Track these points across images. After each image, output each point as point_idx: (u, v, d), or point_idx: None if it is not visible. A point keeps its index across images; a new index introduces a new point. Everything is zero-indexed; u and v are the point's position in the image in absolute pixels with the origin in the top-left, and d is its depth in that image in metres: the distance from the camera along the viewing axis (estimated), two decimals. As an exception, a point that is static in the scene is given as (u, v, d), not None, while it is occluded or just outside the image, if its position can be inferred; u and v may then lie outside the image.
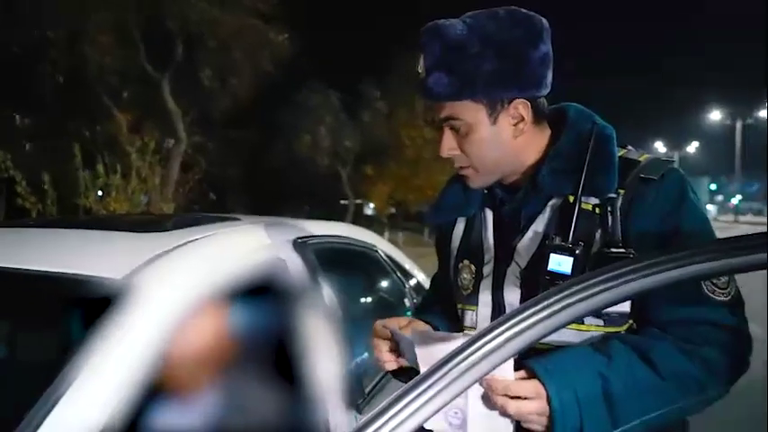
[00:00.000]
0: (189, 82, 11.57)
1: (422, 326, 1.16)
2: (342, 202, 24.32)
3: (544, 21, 1.01)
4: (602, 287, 0.62)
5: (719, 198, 67.95)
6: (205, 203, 10.76)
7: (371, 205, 27.15)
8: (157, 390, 1.11)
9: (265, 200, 20.08)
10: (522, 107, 1.00)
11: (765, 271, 0.62)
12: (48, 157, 8.71)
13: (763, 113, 38.68)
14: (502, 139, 1.02)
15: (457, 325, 1.17)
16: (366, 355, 1.86)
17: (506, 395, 0.87)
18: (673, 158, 1.03)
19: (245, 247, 1.38)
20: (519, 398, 0.87)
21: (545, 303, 0.64)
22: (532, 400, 0.86)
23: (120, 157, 6.98)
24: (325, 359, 1.44)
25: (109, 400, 0.89)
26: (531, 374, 0.88)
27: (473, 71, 0.97)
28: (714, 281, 0.92)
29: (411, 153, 19.63)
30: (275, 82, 13.46)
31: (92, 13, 9.77)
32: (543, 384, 0.86)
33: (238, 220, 1.65)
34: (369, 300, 2.20)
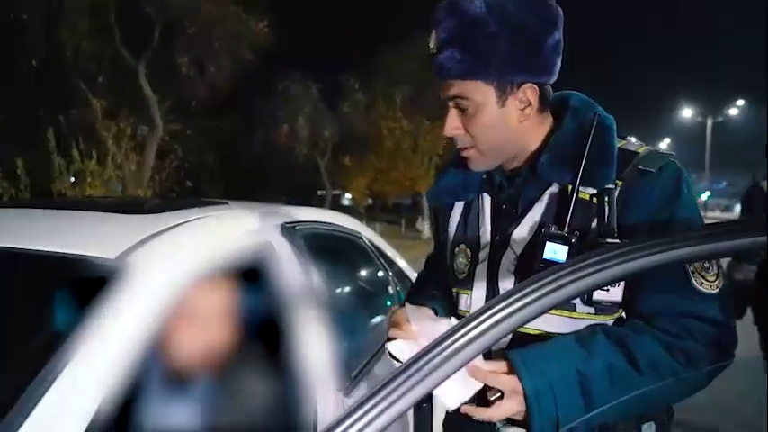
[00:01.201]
0: (166, 69, 11.40)
1: (427, 314, 1.13)
2: (319, 192, 24.24)
3: (559, 8, 1.01)
4: (586, 271, 0.64)
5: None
6: (182, 190, 10.62)
7: (348, 196, 27.13)
8: (150, 370, 1.12)
9: (243, 188, 19.90)
10: (530, 92, 1.00)
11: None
12: (21, 142, 8.51)
13: (733, 111, 39.56)
14: (508, 122, 1.02)
15: (452, 308, 1.19)
16: (352, 339, 1.89)
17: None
18: (672, 153, 1.03)
19: (236, 230, 1.39)
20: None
21: (531, 288, 0.63)
22: (510, 397, 0.91)
23: (96, 144, 6.87)
24: (312, 343, 1.46)
25: (103, 380, 0.89)
26: (511, 366, 0.93)
27: (488, 51, 0.96)
28: (702, 273, 0.94)
29: (390, 145, 19.64)
30: (254, 70, 13.33)
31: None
32: (519, 378, 0.90)
33: (226, 204, 1.65)
34: (355, 285, 2.23)
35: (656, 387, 0.91)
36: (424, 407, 1.03)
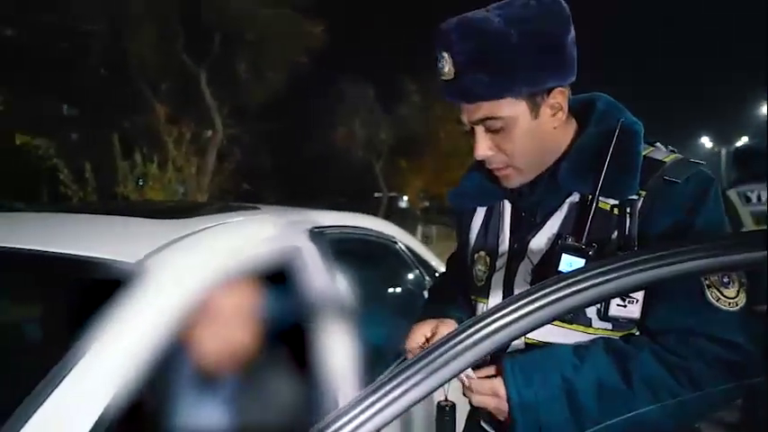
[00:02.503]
0: (226, 74, 11.78)
1: (449, 326, 1.11)
2: (376, 194, 24.37)
3: (565, 5, 0.96)
4: (591, 282, 0.61)
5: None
6: (239, 193, 10.94)
7: (405, 198, 27.14)
8: (168, 372, 1.15)
9: (299, 191, 20.28)
10: (560, 96, 0.96)
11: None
12: (90, 146, 9.01)
13: (816, 108, 36.96)
14: (542, 131, 0.97)
15: (472, 315, 1.16)
16: (380, 345, 1.87)
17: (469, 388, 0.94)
18: (703, 162, 0.96)
19: (260, 234, 1.40)
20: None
21: (537, 295, 0.62)
22: (491, 398, 0.93)
23: (158, 148, 7.16)
24: (337, 347, 1.46)
25: (112, 382, 0.91)
26: (499, 369, 0.93)
27: (515, 65, 0.91)
28: (720, 288, 0.87)
29: (446, 146, 19.50)
30: (310, 74, 13.56)
31: (133, 8, 10.02)
32: (504, 382, 0.91)
33: (257, 209, 1.67)
34: (385, 290, 2.21)
35: (651, 409, 0.85)
36: (447, 420, 1.01)
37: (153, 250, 1.14)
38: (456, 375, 0.61)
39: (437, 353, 0.60)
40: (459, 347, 0.60)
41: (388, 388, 0.59)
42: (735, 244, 0.59)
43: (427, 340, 1.07)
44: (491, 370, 0.94)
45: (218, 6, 10.54)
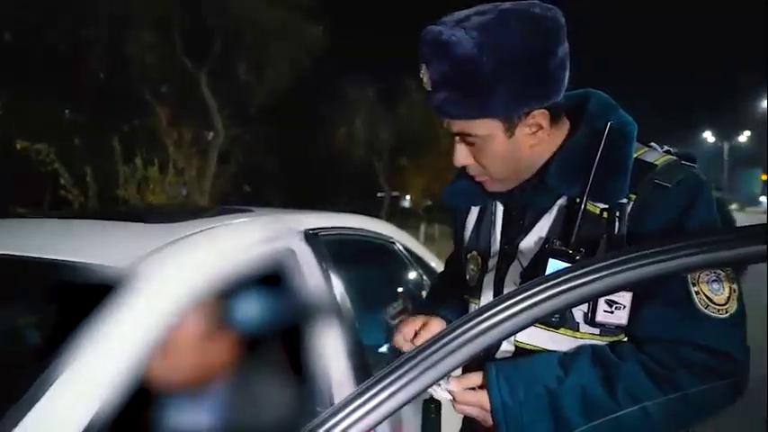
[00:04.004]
0: (226, 76, 11.78)
1: (438, 323, 1.13)
2: (378, 194, 24.36)
3: (559, 15, 0.91)
4: (572, 284, 0.60)
5: (774, 190, 65.06)
6: (240, 195, 10.95)
7: (408, 198, 27.11)
8: (156, 377, 1.13)
9: (302, 192, 20.29)
10: (540, 117, 0.93)
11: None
12: (91, 150, 9.03)
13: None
14: (519, 149, 0.96)
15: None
16: (377, 347, 1.85)
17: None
18: (695, 165, 0.94)
19: (253, 237, 1.38)
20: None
21: (523, 296, 0.62)
22: (477, 409, 0.93)
23: (159, 151, 7.17)
24: (332, 350, 1.44)
25: (103, 386, 0.90)
26: (484, 377, 0.93)
27: (487, 92, 0.88)
28: (709, 295, 0.85)
29: (447, 145, 19.37)
30: (311, 75, 13.56)
31: (133, 10, 10.03)
32: (489, 390, 0.91)
33: (251, 211, 1.66)
34: (382, 292, 2.19)
35: (635, 419, 0.83)
36: (432, 418, 1.01)
37: (143, 255, 1.13)
38: (444, 376, 0.61)
39: (424, 354, 0.59)
40: (446, 350, 0.60)
41: (375, 390, 0.59)
42: (722, 240, 0.58)
43: (416, 334, 1.10)
44: (476, 380, 0.94)
45: (217, 8, 10.55)
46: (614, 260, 0.60)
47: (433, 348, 0.60)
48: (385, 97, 20.60)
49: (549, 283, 0.61)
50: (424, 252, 2.41)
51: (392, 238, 2.16)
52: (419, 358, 0.59)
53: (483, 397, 0.91)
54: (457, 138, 0.98)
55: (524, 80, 0.89)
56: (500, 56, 0.86)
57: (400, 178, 22.71)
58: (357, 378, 1.46)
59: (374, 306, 1.93)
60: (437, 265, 2.42)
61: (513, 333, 0.61)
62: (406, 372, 0.59)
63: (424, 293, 2.20)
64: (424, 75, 0.93)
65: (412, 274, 2.26)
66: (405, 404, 0.59)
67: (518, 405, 0.88)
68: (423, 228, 16.94)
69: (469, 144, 0.97)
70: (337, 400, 1.39)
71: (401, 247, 2.19)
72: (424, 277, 2.26)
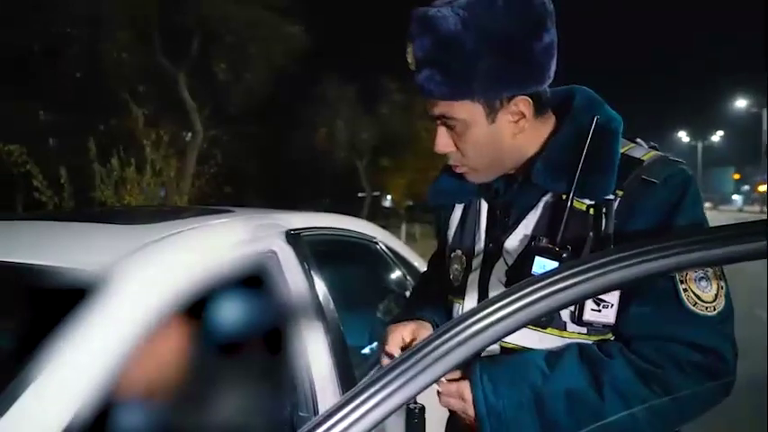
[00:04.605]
0: (205, 76, 11.64)
1: (426, 329, 1.10)
2: (360, 194, 24.32)
3: (547, 1, 0.90)
4: (570, 282, 0.58)
5: (745, 188, 66.54)
6: (221, 196, 10.82)
7: (389, 197, 27.12)
8: (131, 385, 1.09)
9: (282, 193, 20.16)
10: (523, 104, 0.92)
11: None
12: (65, 151, 8.84)
13: (790, 101, 37.67)
14: (500, 138, 0.94)
15: (448, 316, 1.13)
16: (361, 349, 1.83)
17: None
18: (682, 160, 0.93)
19: (233, 239, 1.35)
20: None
21: (510, 299, 0.60)
22: (457, 400, 0.93)
23: (136, 151, 7.05)
24: (316, 352, 1.41)
25: (76, 394, 0.86)
26: (468, 373, 0.92)
27: (469, 71, 0.88)
28: (697, 292, 0.84)
29: (428, 145, 19.37)
30: (291, 75, 13.46)
31: (109, 9, 9.86)
32: (472, 386, 0.90)
33: (231, 212, 1.62)
34: (366, 292, 2.17)
35: (623, 419, 0.82)
36: (415, 423, 0.98)
37: (117, 257, 1.08)
38: (434, 382, 0.59)
39: (413, 360, 0.57)
40: (434, 355, 0.58)
41: (364, 396, 0.57)
42: (715, 238, 0.57)
43: (407, 345, 1.05)
44: (458, 372, 0.93)
45: (195, 7, 10.41)
46: (609, 258, 0.58)
47: (422, 354, 0.57)
48: (365, 98, 20.57)
49: (541, 284, 0.60)
50: (406, 252, 2.39)
51: (375, 237, 2.14)
52: (407, 364, 0.57)
53: (464, 388, 0.91)
54: (439, 123, 0.97)
55: (507, 62, 0.88)
56: (483, 34, 0.86)
57: (381, 178, 22.71)
58: (341, 380, 1.44)
59: (358, 307, 1.91)
60: (420, 264, 2.40)
61: (504, 336, 0.59)
62: (394, 379, 0.57)
63: (407, 294, 2.18)
64: (410, 53, 0.92)
65: (395, 274, 2.24)
66: (392, 412, 0.57)
67: (501, 402, 0.87)
68: (404, 227, 16.96)
69: (450, 128, 0.96)
70: (321, 403, 1.37)
71: (384, 247, 2.17)
72: (408, 277, 2.24)
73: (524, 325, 0.59)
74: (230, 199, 11.13)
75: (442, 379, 0.92)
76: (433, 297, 1.20)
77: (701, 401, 0.85)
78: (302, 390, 1.36)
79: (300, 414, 1.35)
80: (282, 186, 21.57)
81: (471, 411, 0.90)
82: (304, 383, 1.36)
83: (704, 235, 0.58)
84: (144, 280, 1.06)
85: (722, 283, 0.86)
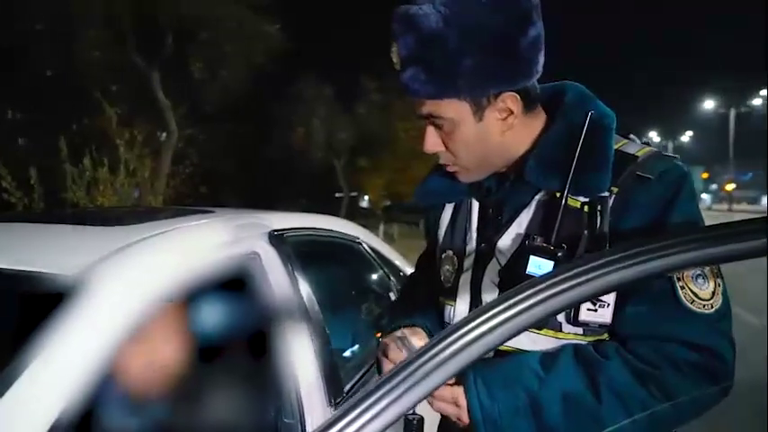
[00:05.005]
0: (180, 75, 11.44)
1: (420, 338, 1.04)
2: (337, 195, 24.23)
3: None
4: (569, 284, 0.56)
5: (713, 187, 68.18)
6: (197, 197, 10.66)
7: (366, 198, 27.10)
8: (111, 392, 1.05)
9: (259, 193, 19.97)
10: (510, 100, 0.90)
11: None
12: (36, 150, 8.60)
13: (756, 101, 38.71)
14: (489, 135, 0.93)
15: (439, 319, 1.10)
16: (347, 351, 1.80)
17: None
18: (677, 156, 0.93)
19: (214, 240, 1.31)
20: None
21: (510, 302, 0.58)
22: (451, 405, 0.90)
23: (109, 151, 6.90)
24: (301, 356, 1.38)
25: (51, 403, 0.82)
26: (461, 378, 0.89)
27: (453, 68, 0.86)
28: (694, 289, 0.83)
29: (406, 145, 19.47)
30: (268, 74, 13.32)
31: (80, 5, 9.62)
32: (466, 391, 0.88)
33: (212, 212, 1.58)
34: (350, 293, 2.14)
35: (618, 419, 0.81)
36: (414, 424, 0.96)
37: (94, 261, 1.04)
38: (433, 391, 0.56)
39: (411, 369, 0.54)
40: (434, 362, 0.55)
41: (361, 408, 0.54)
42: (716, 236, 0.56)
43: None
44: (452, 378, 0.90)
45: (170, 5, 10.23)
46: (609, 258, 0.57)
47: (420, 363, 0.55)
48: (343, 97, 20.50)
49: (541, 286, 0.58)
50: (389, 251, 2.37)
51: (358, 238, 2.11)
52: (406, 373, 0.54)
53: (459, 394, 0.88)
54: (428, 122, 0.96)
55: (492, 58, 0.87)
56: (467, 30, 0.85)
57: (359, 178, 22.65)
58: (327, 385, 1.41)
59: (342, 307, 1.88)
60: (401, 263, 2.39)
61: (505, 341, 0.57)
62: (393, 389, 0.54)
63: (391, 294, 2.16)
64: (394, 53, 0.91)
65: (378, 274, 2.22)
66: (392, 424, 0.54)
67: (496, 407, 0.85)
68: (382, 228, 16.96)
69: (438, 127, 0.95)
70: (307, 408, 1.34)
71: (367, 248, 2.14)
72: (391, 277, 2.22)
73: (525, 329, 0.58)
74: (206, 199, 10.98)
75: None
76: (422, 301, 1.18)
77: (698, 402, 0.83)
78: (287, 395, 1.33)
79: (285, 420, 1.32)
80: (259, 186, 21.37)
81: (466, 417, 0.88)
82: (289, 388, 1.33)
83: (702, 233, 0.57)
84: (124, 284, 1.02)
85: (719, 281, 0.86)
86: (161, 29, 10.64)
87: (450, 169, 1.00)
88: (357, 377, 1.63)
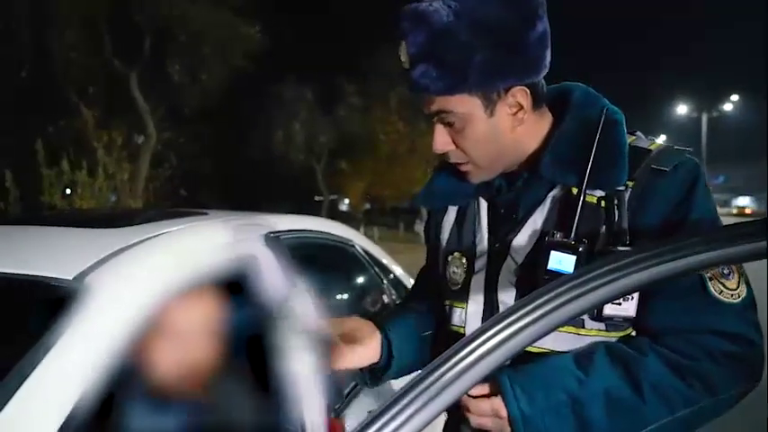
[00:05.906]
0: (158, 77, 11.30)
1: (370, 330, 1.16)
2: (317, 198, 24.17)
3: None
4: (598, 282, 0.56)
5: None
6: (176, 199, 10.53)
7: (346, 201, 27.08)
8: (114, 395, 1.02)
9: (238, 196, 19.80)
10: (520, 95, 0.91)
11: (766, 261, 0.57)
12: (11, 153, 8.41)
13: (727, 106, 39.65)
14: (500, 131, 0.93)
15: (443, 323, 1.09)
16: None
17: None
18: (689, 148, 0.94)
19: (213, 243, 1.29)
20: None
21: (539, 302, 0.57)
22: (492, 419, 0.87)
23: (87, 154, 6.79)
24: (299, 360, 1.37)
25: (57, 409, 0.80)
26: (497, 388, 0.86)
27: (464, 63, 0.87)
28: (722, 280, 0.84)
29: (386, 148, 19.54)
30: (248, 76, 13.23)
31: (57, 5, 9.45)
32: (505, 401, 0.85)
33: (205, 214, 1.55)
34: (346, 295, 2.13)
35: (663, 415, 0.81)
36: None
37: (93, 264, 1.01)
38: (461, 396, 0.55)
39: (436, 375, 0.53)
40: (461, 366, 0.54)
41: (384, 420, 0.52)
42: (736, 235, 0.56)
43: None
44: (486, 387, 0.88)
45: (148, 6, 10.10)
46: (643, 254, 0.57)
47: (447, 367, 0.54)
48: (323, 100, 20.43)
49: (572, 283, 0.58)
50: (381, 253, 2.36)
51: (351, 240, 2.10)
52: (432, 378, 0.53)
53: (499, 406, 0.85)
54: (437, 121, 0.95)
55: (502, 52, 0.87)
56: (477, 25, 0.86)
57: (339, 181, 22.62)
58: (325, 388, 1.39)
59: (338, 309, 1.87)
60: (388, 261, 2.38)
61: (533, 341, 0.56)
62: (418, 396, 0.53)
63: (384, 296, 2.16)
64: (402, 52, 0.91)
65: (372, 277, 2.21)
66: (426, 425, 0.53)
67: (539, 414, 0.83)
68: (362, 231, 16.95)
69: (449, 125, 0.94)
70: (306, 414, 1.32)
71: (360, 250, 2.13)
72: (384, 280, 2.21)
73: (557, 327, 0.57)
74: (185, 202, 10.85)
75: (468, 396, 0.88)
76: (412, 306, 1.21)
77: (735, 391, 0.84)
78: (286, 401, 1.31)
79: (284, 426, 1.30)
80: (238, 189, 21.19)
81: (507, 427, 0.86)
82: (288, 394, 1.31)
83: (733, 232, 0.57)
84: (125, 287, 0.99)
85: (742, 270, 0.86)
86: (139, 30, 10.51)
87: (462, 168, 0.99)
88: (355, 383, 1.62)
